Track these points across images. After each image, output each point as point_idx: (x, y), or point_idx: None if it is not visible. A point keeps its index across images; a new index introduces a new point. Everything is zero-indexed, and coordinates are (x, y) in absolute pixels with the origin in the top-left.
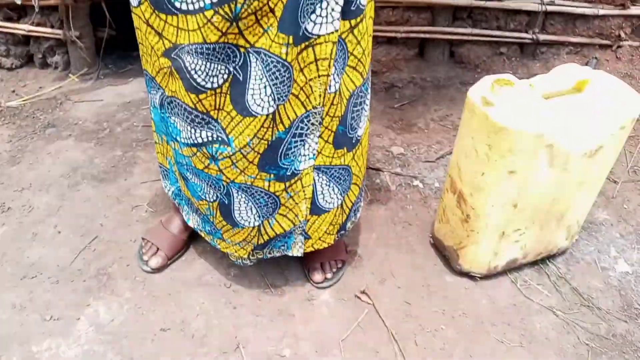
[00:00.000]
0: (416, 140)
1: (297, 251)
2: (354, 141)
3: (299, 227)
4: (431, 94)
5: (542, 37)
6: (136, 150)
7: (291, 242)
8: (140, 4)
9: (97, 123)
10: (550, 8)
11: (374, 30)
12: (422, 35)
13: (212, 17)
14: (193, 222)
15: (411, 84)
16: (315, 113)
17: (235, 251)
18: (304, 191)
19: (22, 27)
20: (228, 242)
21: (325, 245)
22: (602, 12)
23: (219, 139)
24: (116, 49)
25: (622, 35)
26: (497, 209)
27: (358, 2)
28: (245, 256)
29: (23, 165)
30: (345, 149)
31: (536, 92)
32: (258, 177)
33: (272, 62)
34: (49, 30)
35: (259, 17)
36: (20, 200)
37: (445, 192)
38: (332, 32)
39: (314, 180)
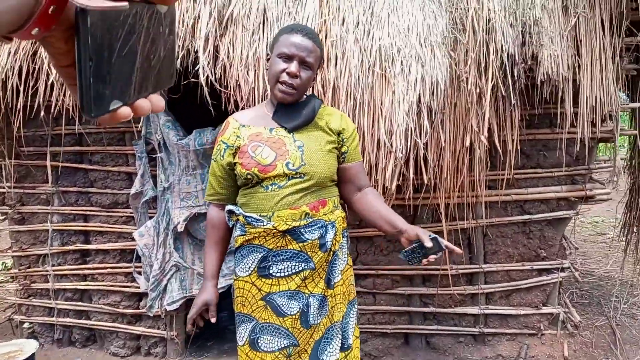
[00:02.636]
0: None
1: None
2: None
3: None
4: None
5: (486, 330)
6: None
7: None
8: (249, 274)
9: None
10: (487, 311)
11: (374, 327)
12: (405, 331)
13: (295, 278)
14: None
15: None
16: None
17: None
18: None
19: (139, 329)
20: None
21: None
22: (523, 312)
23: (292, 343)
24: (197, 341)
25: (542, 327)
26: None
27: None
28: None
29: None
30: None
31: None
32: None
33: None
34: (156, 331)
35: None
36: None
37: None
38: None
39: None
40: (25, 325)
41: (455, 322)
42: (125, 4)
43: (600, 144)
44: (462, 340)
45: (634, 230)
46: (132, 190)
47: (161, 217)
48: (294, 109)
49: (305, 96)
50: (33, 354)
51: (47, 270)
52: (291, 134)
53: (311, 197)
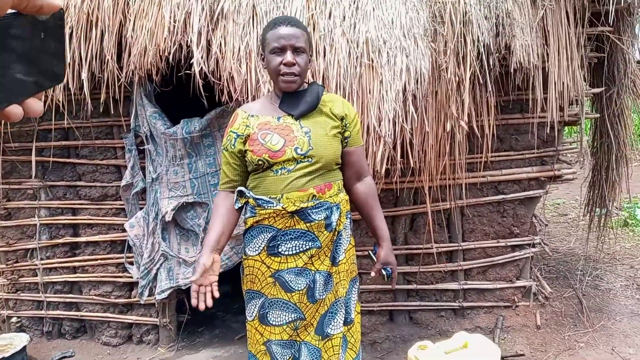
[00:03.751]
0: None
1: None
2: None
3: None
4: (401, 346)
5: (465, 304)
6: None
7: None
8: (259, 253)
9: None
10: (465, 286)
11: (361, 305)
12: (390, 308)
13: (303, 256)
14: None
15: (387, 340)
16: None
17: None
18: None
19: (131, 318)
20: None
21: None
22: (498, 285)
23: (299, 317)
24: (188, 327)
25: (516, 299)
26: None
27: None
28: None
29: None
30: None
31: (441, 349)
32: (315, 337)
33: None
34: (148, 319)
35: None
36: None
37: None
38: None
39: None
40: (13, 319)
41: (437, 298)
42: None
43: (565, 128)
44: (443, 315)
45: (597, 208)
46: (123, 182)
47: (151, 207)
48: (298, 97)
49: (306, 83)
50: (24, 347)
51: (35, 264)
52: (298, 120)
53: (318, 180)
